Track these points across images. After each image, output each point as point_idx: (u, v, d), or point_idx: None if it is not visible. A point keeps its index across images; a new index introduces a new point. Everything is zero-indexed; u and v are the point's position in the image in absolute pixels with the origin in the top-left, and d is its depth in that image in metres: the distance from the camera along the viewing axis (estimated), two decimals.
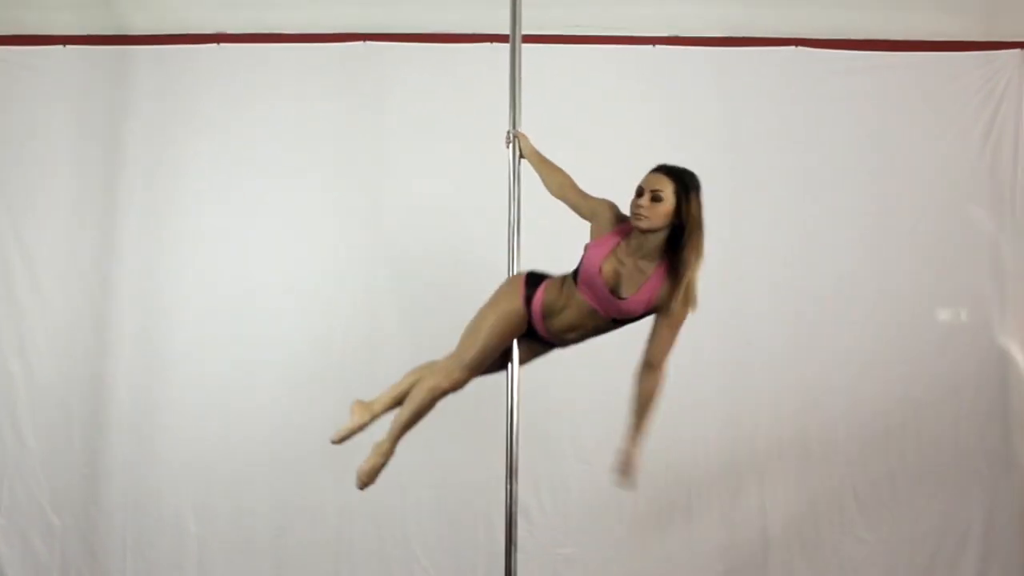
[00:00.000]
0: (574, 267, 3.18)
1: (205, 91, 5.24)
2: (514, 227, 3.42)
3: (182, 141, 5.22)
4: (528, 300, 3.21)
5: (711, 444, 5.07)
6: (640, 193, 2.98)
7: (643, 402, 3.17)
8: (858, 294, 5.16)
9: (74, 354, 5.14)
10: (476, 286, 4.82)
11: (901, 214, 5.21)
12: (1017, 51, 5.27)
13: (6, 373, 5.13)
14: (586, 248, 3.14)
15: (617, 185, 4.93)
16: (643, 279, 3.02)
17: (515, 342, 3.31)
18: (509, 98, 3.52)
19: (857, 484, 5.08)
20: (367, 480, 3.34)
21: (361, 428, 3.41)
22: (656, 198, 2.93)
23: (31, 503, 5.07)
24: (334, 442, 3.41)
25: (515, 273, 3.38)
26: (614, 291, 3.05)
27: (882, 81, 5.25)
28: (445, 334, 4.96)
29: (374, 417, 3.42)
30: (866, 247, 5.19)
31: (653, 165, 3.03)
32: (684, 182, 2.96)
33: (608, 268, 3.04)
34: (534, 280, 3.26)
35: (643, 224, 2.95)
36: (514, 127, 3.50)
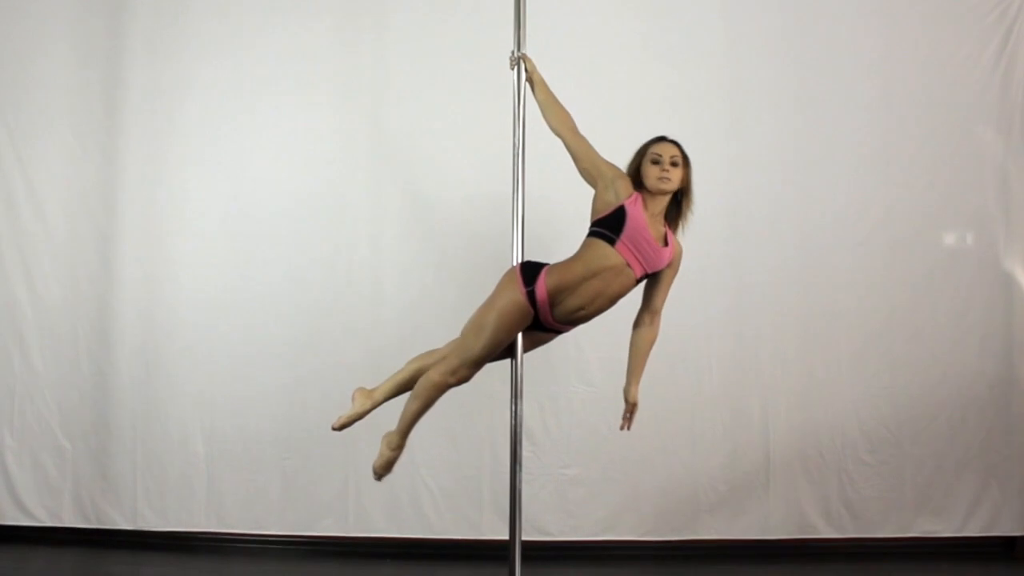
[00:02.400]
0: (595, 230, 3.22)
1: (206, 9, 5.17)
2: (518, 150, 3.38)
3: (183, 61, 5.17)
4: (530, 295, 3.22)
5: (714, 367, 5.09)
6: (657, 161, 3.25)
7: (646, 349, 3.43)
8: (863, 216, 5.13)
9: (79, 278, 5.16)
10: (478, 207, 4.87)
11: (908, 135, 5.16)
12: None
13: (12, 298, 5.16)
14: (623, 207, 3.19)
15: (620, 105, 4.91)
16: (664, 233, 3.28)
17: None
18: (514, 18, 3.45)
19: (859, 406, 5.11)
20: (383, 472, 3.46)
21: (362, 415, 3.51)
22: (674, 163, 3.26)
23: (41, 426, 5.14)
24: (335, 428, 3.52)
25: (518, 219, 3.37)
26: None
27: None
28: (447, 255, 5.02)
29: (375, 405, 3.50)
30: (871, 168, 5.14)
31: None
32: (684, 151, 3.30)
33: (647, 222, 3.23)
34: (529, 271, 3.26)
35: (668, 186, 3.24)
36: (518, 49, 3.43)
